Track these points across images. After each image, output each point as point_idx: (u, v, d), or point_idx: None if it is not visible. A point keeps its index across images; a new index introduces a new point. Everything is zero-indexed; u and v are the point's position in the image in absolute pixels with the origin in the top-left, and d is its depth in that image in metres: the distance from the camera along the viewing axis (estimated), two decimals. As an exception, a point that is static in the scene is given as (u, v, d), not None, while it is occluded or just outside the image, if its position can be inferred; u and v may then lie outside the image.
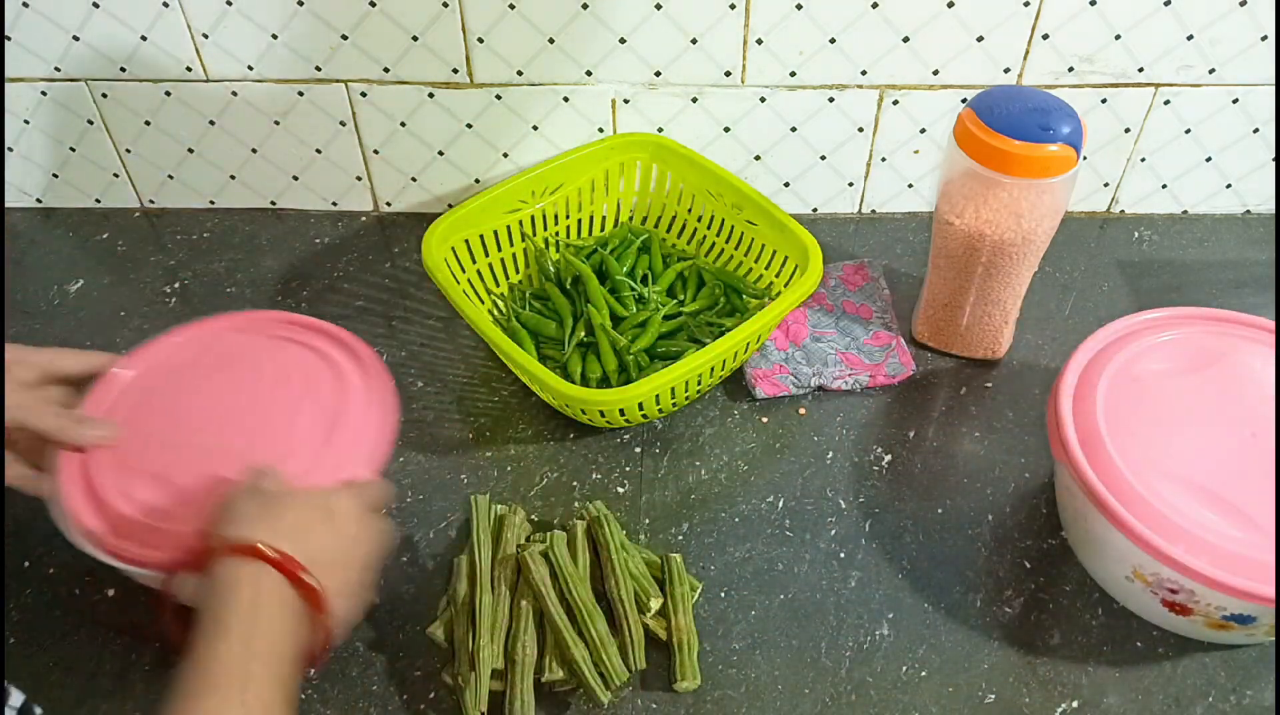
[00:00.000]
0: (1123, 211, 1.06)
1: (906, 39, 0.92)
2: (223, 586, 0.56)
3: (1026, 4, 0.89)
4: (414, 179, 1.04)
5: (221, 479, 0.65)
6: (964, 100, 0.96)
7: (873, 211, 1.06)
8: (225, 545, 0.58)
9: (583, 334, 0.88)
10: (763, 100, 0.97)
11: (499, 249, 0.93)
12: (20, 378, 0.69)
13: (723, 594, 0.75)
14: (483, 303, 0.92)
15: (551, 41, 0.93)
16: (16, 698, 0.57)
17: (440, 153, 1.02)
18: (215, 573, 0.57)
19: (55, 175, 1.06)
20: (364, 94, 0.97)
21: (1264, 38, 0.91)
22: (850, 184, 1.03)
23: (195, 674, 0.53)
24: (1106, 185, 1.03)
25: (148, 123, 1.01)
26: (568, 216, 0.97)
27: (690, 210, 0.97)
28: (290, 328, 0.78)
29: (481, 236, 0.91)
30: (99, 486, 0.67)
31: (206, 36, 0.94)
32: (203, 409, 0.72)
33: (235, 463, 0.66)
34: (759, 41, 0.92)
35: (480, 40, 0.93)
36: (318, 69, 0.96)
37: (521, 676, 0.68)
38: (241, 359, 0.75)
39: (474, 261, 0.91)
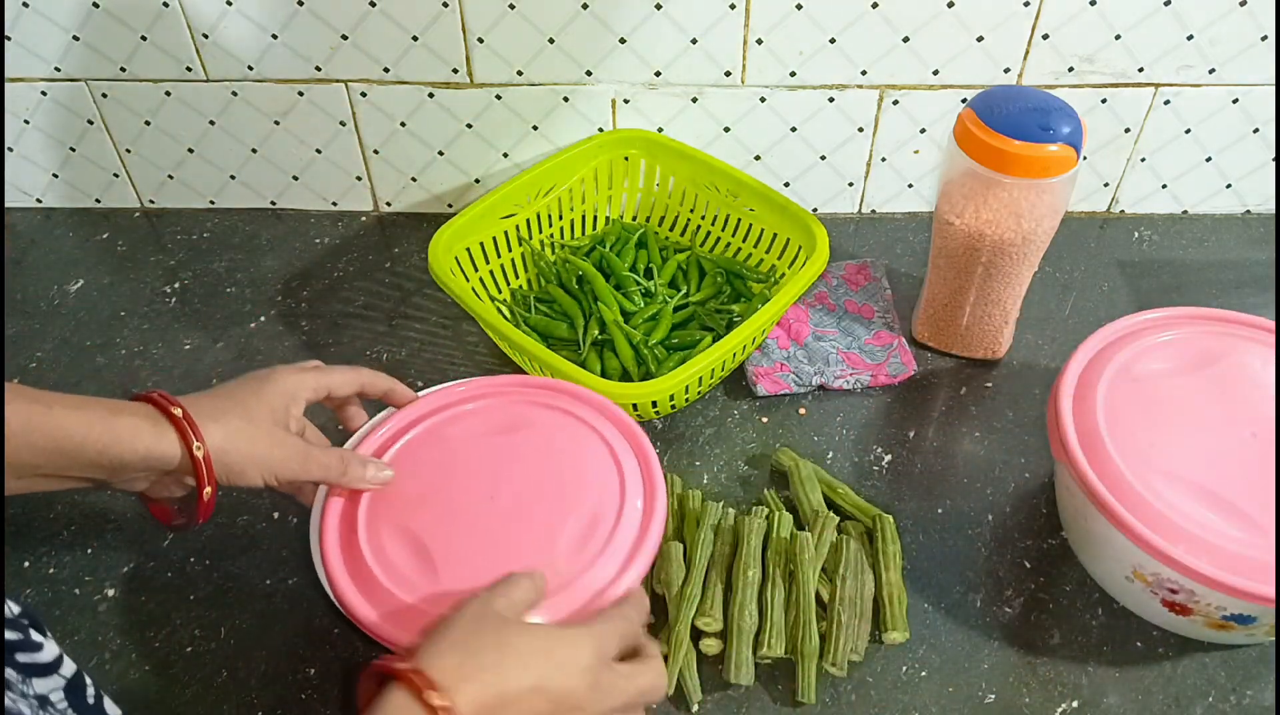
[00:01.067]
0: (1123, 211, 1.06)
1: (906, 39, 0.92)
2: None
3: (1026, 4, 0.89)
4: (414, 179, 1.04)
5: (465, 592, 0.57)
6: (964, 100, 0.96)
7: (873, 211, 1.06)
8: (392, 665, 0.49)
9: (596, 332, 0.88)
10: (763, 100, 0.97)
11: (498, 256, 0.93)
12: (296, 417, 0.65)
13: (723, 594, 0.75)
14: (488, 311, 0.92)
15: (551, 41, 0.93)
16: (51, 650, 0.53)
17: (440, 153, 1.02)
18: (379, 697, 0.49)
19: (55, 175, 1.06)
20: (364, 94, 0.97)
21: (1264, 38, 0.91)
22: (850, 184, 1.04)
23: None
24: (1106, 185, 1.03)
25: (148, 123, 1.01)
26: (561, 218, 0.97)
27: (683, 203, 0.98)
28: (573, 402, 0.72)
29: (481, 244, 0.91)
30: (357, 532, 0.64)
31: (206, 36, 0.94)
32: (474, 474, 0.67)
33: (494, 540, 0.63)
34: (759, 41, 0.92)
35: (480, 40, 0.93)
36: (318, 69, 0.96)
37: (742, 645, 0.69)
38: (522, 427, 0.70)
39: (475, 269, 0.91)
